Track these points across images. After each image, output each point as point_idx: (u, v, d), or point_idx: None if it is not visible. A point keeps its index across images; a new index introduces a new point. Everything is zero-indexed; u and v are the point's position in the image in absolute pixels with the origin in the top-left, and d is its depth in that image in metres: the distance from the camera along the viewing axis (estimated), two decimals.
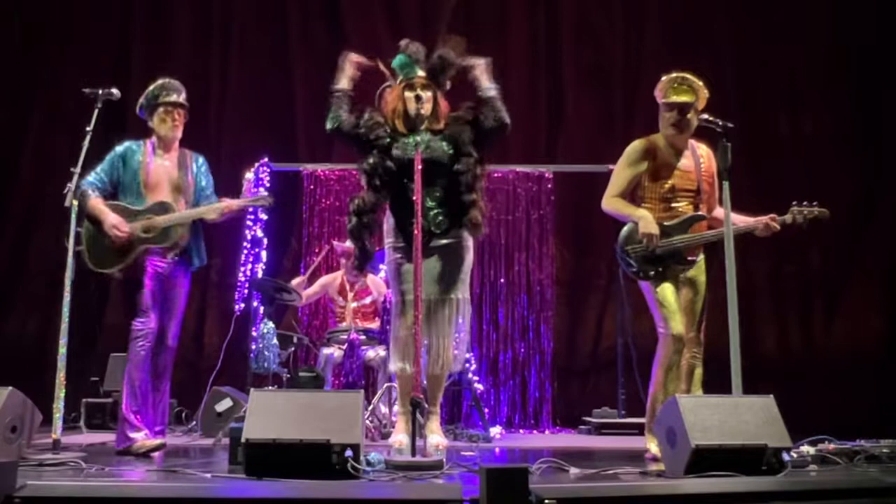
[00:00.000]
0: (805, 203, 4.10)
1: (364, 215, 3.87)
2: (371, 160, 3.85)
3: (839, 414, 5.58)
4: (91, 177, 4.18)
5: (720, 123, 3.76)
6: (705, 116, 3.83)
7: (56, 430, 3.49)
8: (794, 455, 3.26)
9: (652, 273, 4.05)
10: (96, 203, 4.13)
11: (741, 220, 4.12)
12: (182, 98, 4.34)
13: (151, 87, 4.30)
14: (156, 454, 4.03)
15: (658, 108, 4.20)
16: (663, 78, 4.16)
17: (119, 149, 4.27)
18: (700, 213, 4.10)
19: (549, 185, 6.77)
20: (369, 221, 3.87)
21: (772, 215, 4.06)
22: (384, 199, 3.88)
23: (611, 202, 4.15)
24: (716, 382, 4.03)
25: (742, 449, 3.04)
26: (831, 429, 3.86)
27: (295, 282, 6.01)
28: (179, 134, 4.35)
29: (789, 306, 7.04)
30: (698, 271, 4.15)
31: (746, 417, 3.13)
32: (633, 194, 4.19)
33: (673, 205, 4.10)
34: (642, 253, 4.02)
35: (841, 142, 7.07)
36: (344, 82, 4.05)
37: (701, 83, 4.13)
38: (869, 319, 6.87)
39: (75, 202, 3.77)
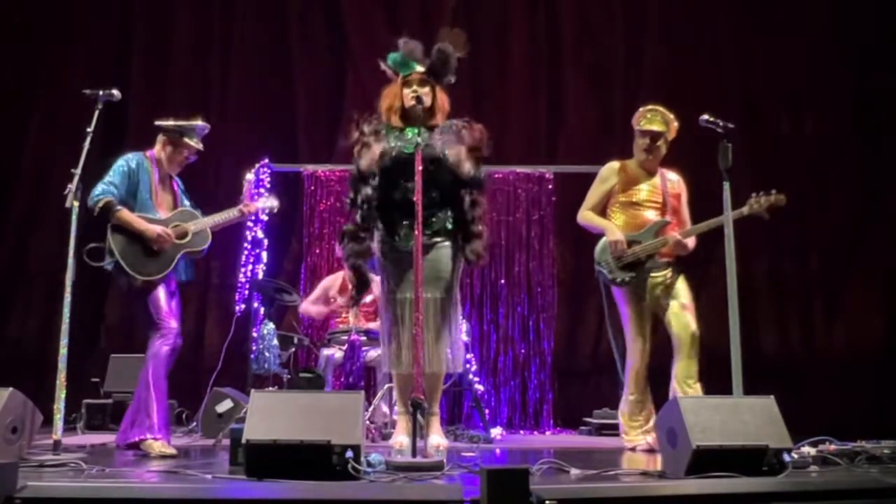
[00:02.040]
0: (762, 192, 4.30)
1: (357, 241, 3.83)
2: (360, 193, 3.81)
3: (840, 414, 5.58)
4: (108, 187, 4.14)
5: (721, 124, 3.79)
6: (706, 117, 3.84)
7: (57, 431, 3.49)
8: (795, 456, 3.26)
9: (626, 279, 4.42)
10: (127, 215, 4.13)
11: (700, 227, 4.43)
12: (200, 146, 4.41)
13: (184, 121, 4.34)
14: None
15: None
16: (640, 109, 4.56)
17: (131, 161, 4.25)
18: (665, 218, 4.46)
19: (550, 186, 6.77)
20: (364, 248, 3.83)
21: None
22: (373, 221, 3.84)
23: (584, 215, 4.63)
24: (716, 383, 4.03)
25: (743, 449, 3.04)
26: (832, 429, 3.85)
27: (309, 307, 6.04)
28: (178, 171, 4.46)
29: (790, 307, 7.04)
30: (672, 281, 4.45)
31: (747, 418, 3.12)
32: (605, 207, 4.63)
33: (640, 212, 4.51)
34: (615, 262, 4.42)
35: (841, 142, 7.08)
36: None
37: (672, 116, 4.52)
38: (869, 320, 6.87)
39: (76, 203, 3.76)
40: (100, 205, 4.06)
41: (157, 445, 3.94)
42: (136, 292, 4.16)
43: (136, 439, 3.97)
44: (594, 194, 4.63)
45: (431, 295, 3.73)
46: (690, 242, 4.45)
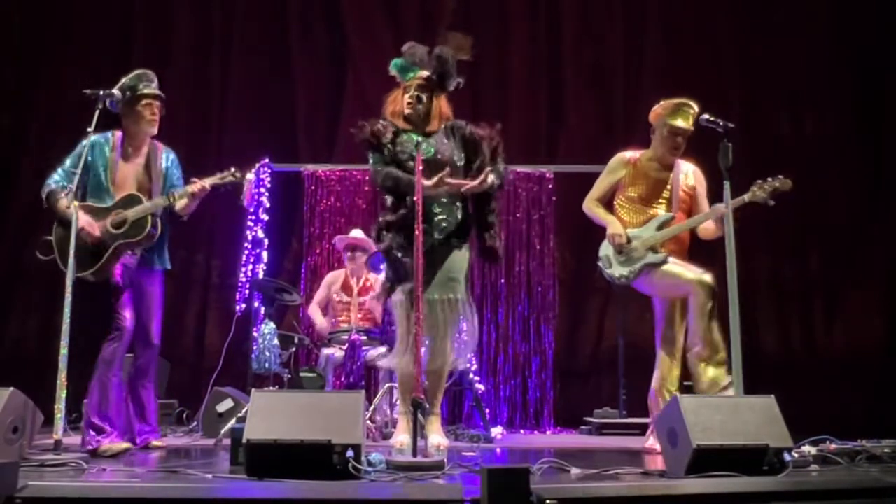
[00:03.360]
0: (768, 178, 4.13)
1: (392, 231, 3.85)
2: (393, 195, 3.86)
3: (840, 414, 5.59)
4: (58, 175, 4.05)
5: (721, 123, 3.78)
6: (706, 117, 3.84)
7: (57, 431, 3.49)
8: (796, 455, 3.27)
9: (625, 274, 4.28)
10: (65, 205, 3.95)
11: (718, 228, 4.22)
12: (156, 90, 4.20)
13: (127, 79, 4.15)
14: (155, 453, 4.10)
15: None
16: (666, 102, 4.33)
17: (86, 143, 4.02)
18: (669, 213, 4.31)
19: (550, 186, 6.77)
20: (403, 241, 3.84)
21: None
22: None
23: (589, 204, 4.49)
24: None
25: (743, 449, 3.04)
26: (832, 429, 3.86)
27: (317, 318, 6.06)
28: (153, 131, 4.21)
29: (790, 307, 7.04)
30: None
31: (747, 417, 3.13)
32: (611, 199, 4.48)
33: (645, 208, 4.36)
34: (615, 258, 4.31)
35: (841, 142, 7.08)
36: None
37: (696, 108, 4.31)
38: (869, 320, 6.87)
39: (76, 203, 3.76)
40: (44, 193, 3.96)
41: (106, 447, 3.87)
42: (93, 286, 4.02)
43: (91, 448, 3.89)
44: (601, 185, 4.49)
45: (442, 296, 3.77)
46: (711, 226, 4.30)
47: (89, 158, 4.05)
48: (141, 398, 4.27)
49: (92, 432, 3.93)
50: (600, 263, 4.41)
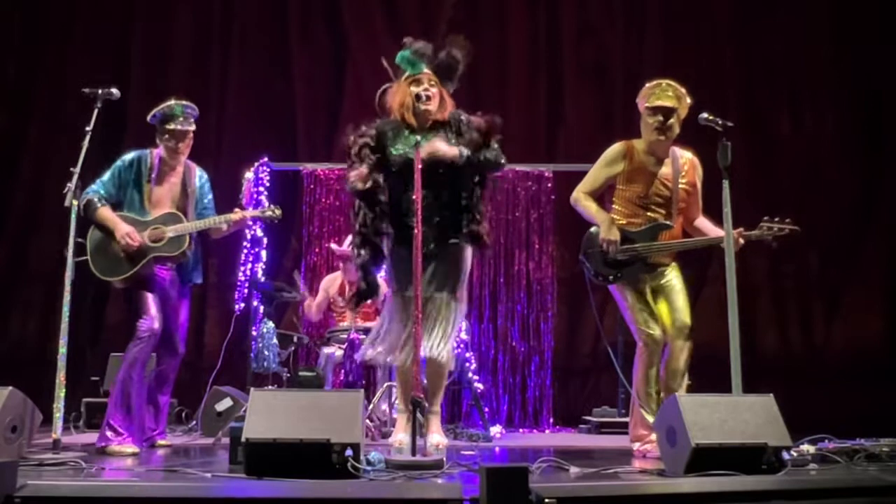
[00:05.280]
0: (777, 219, 4.04)
1: (370, 246, 3.86)
2: (367, 202, 3.84)
3: (839, 413, 5.58)
4: (96, 185, 4.18)
5: (720, 122, 3.75)
6: (705, 115, 3.80)
7: (56, 430, 3.49)
8: (794, 454, 3.27)
9: (610, 277, 4.09)
10: (106, 212, 4.13)
11: (711, 232, 4.13)
12: (190, 125, 4.31)
13: (163, 107, 4.26)
14: (157, 452, 4.10)
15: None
16: (646, 85, 4.14)
17: (127, 159, 4.25)
18: (667, 222, 4.08)
19: (549, 185, 6.77)
20: (376, 254, 3.86)
21: (739, 229, 3.98)
22: (384, 223, 3.88)
23: (579, 197, 4.18)
24: (716, 382, 4.03)
25: (742, 448, 3.04)
26: (831, 428, 3.86)
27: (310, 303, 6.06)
28: (183, 158, 4.35)
29: (789, 306, 7.04)
30: (665, 278, 4.11)
31: (746, 416, 3.13)
32: (605, 196, 4.21)
33: (643, 210, 4.10)
34: (601, 257, 4.07)
35: (841, 142, 7.08)
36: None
37: (684, 91, 4.11)
38: (869, 319, 6.87)
39: (75, 202, 3.76)
40: (82, 203, 4.05)
41: (116, 448, 3.88)
42: (122, 290, 4.20)
43: (101, 445, 3.92)
44: (597, 177, 4.16)
45: (440, 294, 3.77)
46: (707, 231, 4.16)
47: (129, 175, 4.23)
48: (157, 403, 4.32)
49: (108, 430, 3.96)
50: (584, 258, 4.16)
